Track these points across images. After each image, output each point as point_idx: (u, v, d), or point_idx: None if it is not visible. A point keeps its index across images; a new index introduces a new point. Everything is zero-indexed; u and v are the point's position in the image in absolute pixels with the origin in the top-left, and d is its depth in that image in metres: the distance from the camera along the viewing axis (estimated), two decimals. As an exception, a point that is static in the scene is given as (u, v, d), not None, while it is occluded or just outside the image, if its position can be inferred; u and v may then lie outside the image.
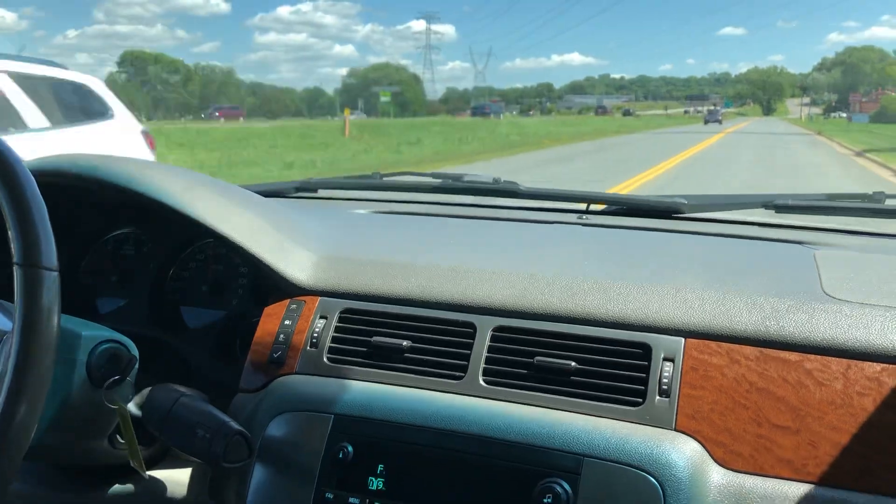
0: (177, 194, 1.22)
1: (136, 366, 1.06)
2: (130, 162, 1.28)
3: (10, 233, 0.82)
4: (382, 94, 64.41)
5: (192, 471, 1.20)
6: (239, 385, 1.18)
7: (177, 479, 1.20)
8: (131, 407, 1.06)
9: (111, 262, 1.50)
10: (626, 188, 12.81)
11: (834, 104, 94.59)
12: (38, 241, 0.82)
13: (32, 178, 0.85)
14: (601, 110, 77.44)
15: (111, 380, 1.02)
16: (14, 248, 0.81)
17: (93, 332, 1.02)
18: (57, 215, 1.34)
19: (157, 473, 1.19)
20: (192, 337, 1.38)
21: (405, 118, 66.40)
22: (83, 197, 1.33)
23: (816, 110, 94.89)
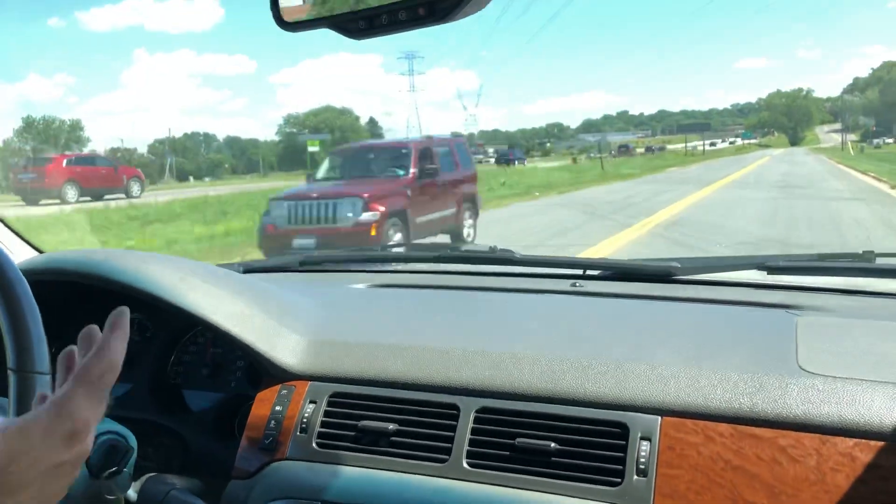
0: (170, 286, 1.27)
1: (134, 456, 1.09)
2: (128, 255, 1.34)
3: (5, 338, 0.86)
4: (310, 143, 52.13)
5: None
6: (233, 470, 1.21)
7: None
8: (130, 494, 1.10)
9: None
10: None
11: (874, 129, 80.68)
12: (30, 346, 0.86)
13: (25, 281, 0.89)
14: (623, 150, 69.70)
15: (109, 471, 1.05)
16: (8, 353, 0.85)
17: None
18: (60, 305, 1.41)
19: None
20: (193, 419, 1.42)
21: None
22: (85, 287, 1.39)
23: (852, 137, 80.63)
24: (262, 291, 1.42)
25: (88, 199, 21.78)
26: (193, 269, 1.37)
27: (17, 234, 1.80)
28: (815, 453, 0.97)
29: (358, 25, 0.88)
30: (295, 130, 74.44)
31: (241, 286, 1.39)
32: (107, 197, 22.00)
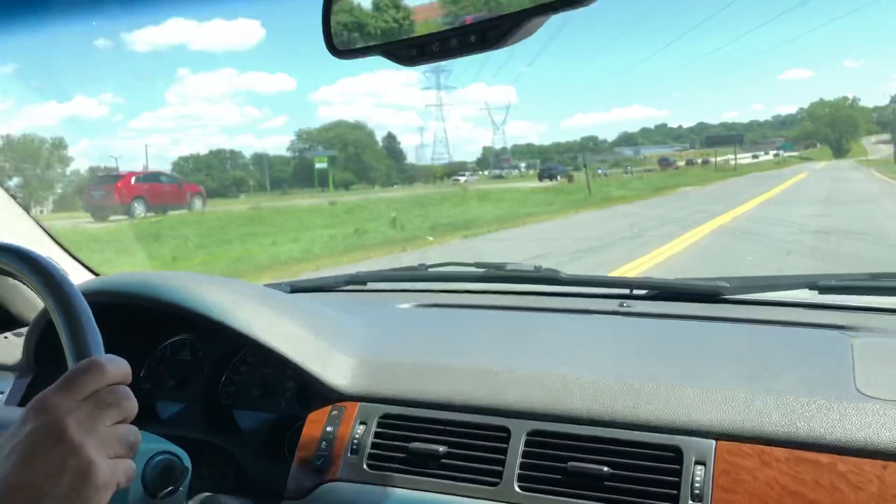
0: (223, 308, 1.30)
1: (189, 476, 1.11)
2: (182, 278, 1.37)
3: (64, 343, 0.88)
4: (318, 160, 51.27)
5: None
6: (285, 491, 1.22)
7: None
8: None
9: (168, 368, 1.58)
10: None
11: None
12: (87, 338, 0.87)
13: (75, 287, 0.92)
14: (664, 163, 66.39)
15: (165, 491, 1.07)
16: (67, 354, 0.87)
17: (148, 445, 1.08)
18: (115, 325, 1.44)
19: None
20: (244, 439, 1.44)
21: (355, 189, 51.85)
22: (139, 308, 1.42)
23: None
24: (312, 312, 1.44)
25: (153, 214, 22.80)
26: (244, 291, 1.39)
27: (73, 257, 1.86)
28: (877, 479, 0.95)
29: (409, 53, 0.89)
30: (307, 146, 71.22)
31: (292, 307, 1.41)
32: (170, 213, 23.10)
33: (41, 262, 0.95)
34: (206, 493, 1.17)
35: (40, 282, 0.93)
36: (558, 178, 48.53)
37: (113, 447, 0.74)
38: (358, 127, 78.15)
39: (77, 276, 1.75)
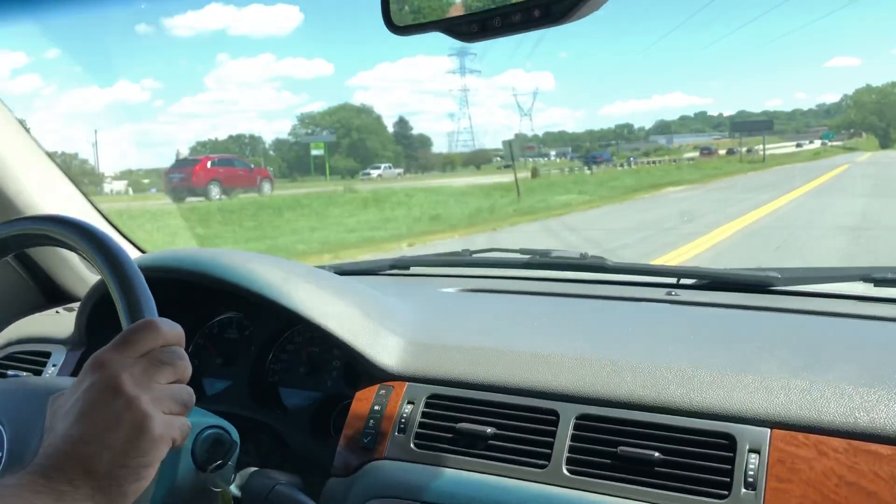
0: (274, 285, 1.30)
1: (238, 450, 1.12)
2: (233, 255, 1.39)
3: (119, 308, 0.90)
4: (314, 146, 45.21)
5: None
6: (332, 468, 1.23)
7: None
8: (233, 489, 1.12)
9: (216, 346, 1.60)
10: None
11: None
12: (140, 302, 0.89)
13: (129, 255, 0.94)
14: (706, 152, 61.55)
15: (215, 464, 1.08)
16: (122, 317, 0.88)
17: (197, 419, 1.09)
18: (166, 301, 1.46)
19: None
20: (290, 417, 1.45)
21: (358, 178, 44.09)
22: (190, 284, 1.44)
23: None
24: (361, 292, 1.44)
25: (225, 197, 23.68)
26: (294, 269, 1.40)
27: (121, 233, 1.88)
28: None
29: (470, 29, 0.88)
30: (309, 131, 62.97)
31: (341, 286, 1.42)
32: (241, 196, 23.92)
33: (98, 233, 0.97)
34: (254, 468, 1.18)
35: (96, 251, 0.95)
36: (601, 165, 46.34)
37: (167, 404, 0.76)
38: (364, 110, 69.30)
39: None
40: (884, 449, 0.96)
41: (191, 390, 0.80)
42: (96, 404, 0.72)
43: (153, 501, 1.04)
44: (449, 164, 67.39)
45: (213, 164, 25.73)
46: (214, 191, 23.93)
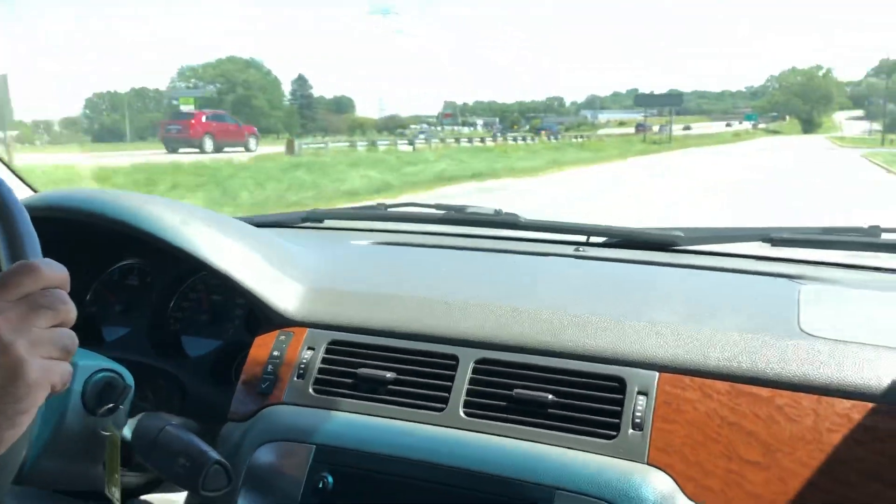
0: (172, 228, 1.27)
1: (131, 394, 1.10)
2: (129, 196, 1.34)
3: None
4: (182, 101, 38.50)
5: (186, 497, 1.23)
6: (228, 413, 1.21)
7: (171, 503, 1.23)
8: (126, 432, 1.10)
9: (115, 293, 1.55)
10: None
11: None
12: (23, 241, 0.83)
13: (12, 191, 0.87)
14: (641, 129, 58.28)
15: (105, 408, 1.06)
16: (1, 257, 0.84)
17: (88, 362, 1.06)
18: (62, 247, 1.40)
19: (151, 498, 1.23)
20: (191, 365, 1.42)
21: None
22: (89, 228, 1.39)
23: (876, 126, 65.67)
24: (264, 239, 1.42)
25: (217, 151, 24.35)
26: (195, 213, 1.36)
27: (14, 173, 1.80)
28: (813, 413, 0.97)
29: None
30: (190, 85, 55.01)
31: (243, 232, 1.38)
32: (226, 150, 24.89)
33: None
34: (147, 412, 1.15)
35: None
36: (552, 139, 44.30)
37: (46, 348, 0.72)
38: (253, 64, 59.46)
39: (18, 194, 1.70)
40: (763, 391, 1.00)
41: (73, 334, 0.77)
42: None
43: (38, 442, 1.01)
44: (358, 128, 60.57)
45: (207, 118, 27.65)
46: (208, 144, 25.57)
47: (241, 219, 1.90)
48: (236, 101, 52.30)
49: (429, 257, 1.67)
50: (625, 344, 1.09)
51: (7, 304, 0.71)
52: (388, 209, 1.97)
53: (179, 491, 1.23)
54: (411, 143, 31.33)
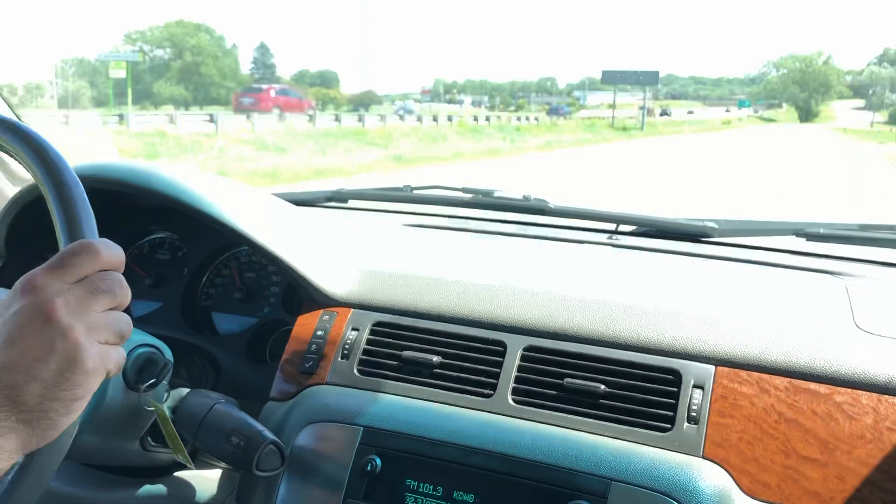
0: (215, 203, 1.24)
1: (171, 370, 1.08)
2: (172, 168, 1.31)
3: (56, 223, 0.82)
4: (114, 65, 33.75)
5: (221, 474, 1.22)
6: (270, 392, 1.20)
7: (205, 481, 1.22)
8: (165, 408, 1.08)
9: (146, 266, 1.53)
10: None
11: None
12: (80, 219, 0.81)
13: (72, 169, 0.85)
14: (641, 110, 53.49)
15: (147, 384, 1.04)
16: (59, 228, 0.81)
17: (130, 337, 1.04)
18: (99, 215, 1.38)
19: (186, 475, 1.22)
20: (225, 342, 1.40)
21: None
22: (121, 200, 1.36)
23: (879, 117, 62.36)
24: (305, 218, 1.40)
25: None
26: (237, 189, 1.34)
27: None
28: (873, 412, 0.96)
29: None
30: (136, 49, 47.55)
31: (284, 212, 1.37)
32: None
33: (35, 136, 0.89)
34: (188, 389, 1.13)
35: (34, 157, 0.86)
36: (561, 118, 41.62)
37: (103, 333, 0.71)
38: (203, 29, 52.68)
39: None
40: (822, 388, 0.99)
41: (129, 319, 0.75)
42: (26, 331, 0.67)
43: (80, 419, 0.99)
44: (331, 101, 56.35)
45: (275, 92, 32.76)
46: (275, 114, 28.42)
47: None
48: (184, 69, 47.90)
49: (462, 241, 1.66)
50: (681, 336, 1.08)
51: (66, 286, 0.69)
52: (415, 190, 1.95)
53: (211, 468, 1.22)
54: (382, 118, 31.10)
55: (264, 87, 35.35)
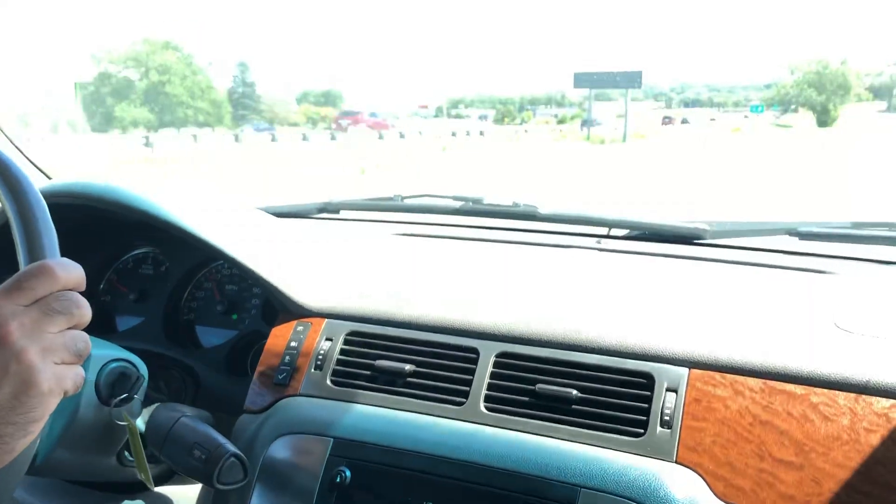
0: (184, 218, 1.24)
1: (145, 384, 1.08)
2: (148, 185, 1.32)
3: (16, 240, 0.82)
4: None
5: (200, 490, 1.21)
6: (244, 404, 1.19)
7: (184, 496, 1.21)
8: (139, 423, 1.08)
9: (129, 281, 1.53)
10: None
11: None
12: (41, 238, 0.81)
13: (32, 184, 0.84)
14: (667, 121, 51.01)
15: (119, 398, 1.04)
16: (19, 247, 0.81)
17: (102, 352, 1.04)
18: (77, 234, 1.38)
19: (165, 490, 1.21)
20: (206, 355, 1.40)
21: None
22: (105, 216, 1.37)
23: None
24: (282, 230, 1.39)
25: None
26: (212, 203, 1.34)
27: (32, 162, 1.78)
28: (850, 412, 0.93)
29: None
30: (102, 69, 43.66)
31: (260, 223, 1.36)
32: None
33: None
34: (162, 403, 1.13)
35: None
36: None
37: (59, 353, 0.70)
38: (171, 46, 49.49)
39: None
40: (798, 388, 0.96)
41: (86, 337, 0.74)
42: None
43: (53, 433, 0.99)
44: (320, 119, 51.74)
45: (367, 115, 40.25)
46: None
47: (257, 208, 1.88)
48: (150, 90, 44.22)
49: (447, 249, 1.64)
50: (654, 339, 1.06)
51: (20, 308, 0.69)
52: (405, 199, 1.94)
53: (193, 483, 1.21)
54: (381, 137, 32.21)
55: (356, 111, 44.33)
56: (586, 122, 41.35)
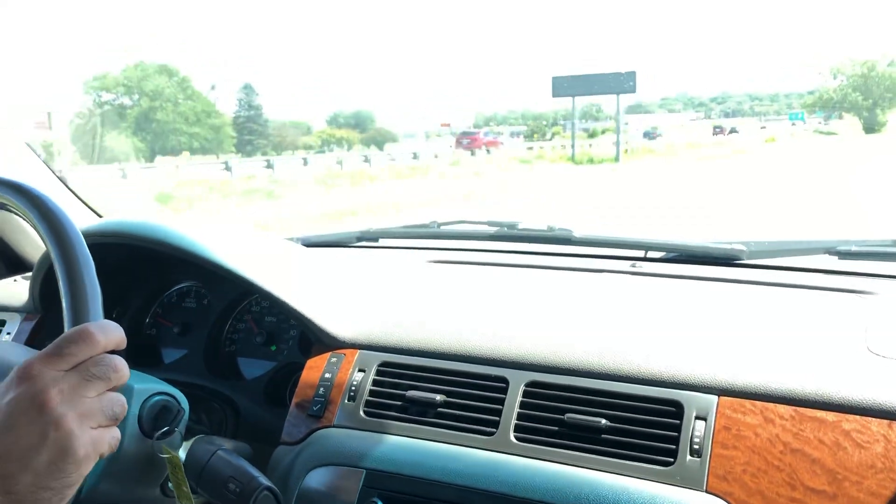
0: (225, 254, 1.29)
1: (186, 417, 1.11)
2: (188, 223, 1.37)
3: (62, 296, 0.85)
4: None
5: None
6: (281, 436, 1.22)
7: None
8: (181, 455, 1.11)
9: (174, 315, 1.58)
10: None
11: None
12: (86, 299, 0.84)
13: (80, 235, 0.87)
14: (718, 131, 46.67)
15: (161, 431, 1.07)
16: (65, 307, 0.84)
17: (144, 385, 1.08)
18: (122, 270, 1.44)
19: None
20: (246, 386, 1.43)
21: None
22: (147, 253, 1.42)
23: None
24: (317, 262, 1.43)
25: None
26: (250, 238, 1.38)
27: (80, 199, 1.85)
28: (883, 439, 0.91)
29: None
30: (97, 97, 41.22)
31: (296, 256, 1.40)
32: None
33: (41, 198, 0.90)
34: (202, 435, 1.16)
35: (46, 228, 0.88)
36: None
37: (96, 418, 0.72)
38: (166, 70, 45.32)
39: (84, 220, 1.75)
40: (829, 415, 0.95)
41: (123, 400, 0.76)
42: (20, 420, 0.68)
43: (96, 467, 1.03)
44: (337, 143, 48.23)
45: (483, 134, 42.06)
46: (484, 151, 34.03)
47: (297, 239, 1.93)
48: (141, 116, 41.41)
49: (482, 276, 1.66)
50: (682, 366, 1.05)
51: (60, 373, 0.71)
52: (441, 226, 1.96)
53: None
54: (415, 157, 28.97)
55: (475, 130, 46.27)
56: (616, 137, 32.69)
